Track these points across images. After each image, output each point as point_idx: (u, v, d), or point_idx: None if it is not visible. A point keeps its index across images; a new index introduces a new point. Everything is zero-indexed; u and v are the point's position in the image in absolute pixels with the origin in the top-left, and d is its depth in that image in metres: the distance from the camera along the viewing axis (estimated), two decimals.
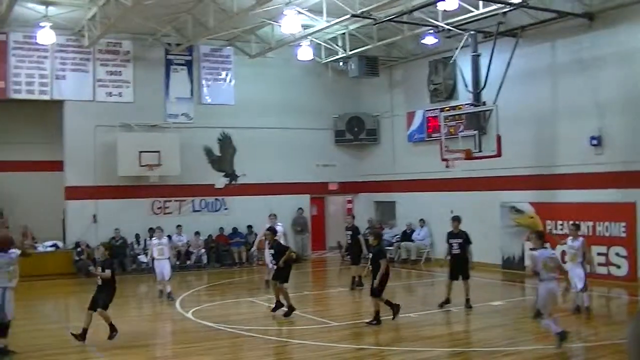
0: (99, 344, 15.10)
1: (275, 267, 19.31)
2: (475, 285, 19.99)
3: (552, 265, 13.53)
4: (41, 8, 25.19)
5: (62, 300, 23.72)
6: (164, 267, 21.82)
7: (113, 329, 15.02)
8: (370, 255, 17.64)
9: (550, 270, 13.47)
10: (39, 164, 31.91)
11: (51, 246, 28.08)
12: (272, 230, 20.24)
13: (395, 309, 17.21)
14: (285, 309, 18.46)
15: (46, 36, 25.93)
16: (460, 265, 19.06)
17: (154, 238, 22.70)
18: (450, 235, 19.44)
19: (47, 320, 18.25)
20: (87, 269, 26.60)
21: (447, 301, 18.90)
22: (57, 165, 29.99)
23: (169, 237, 27.55)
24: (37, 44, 27.39)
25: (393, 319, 17.05)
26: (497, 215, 26.38)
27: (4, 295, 14.06)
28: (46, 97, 28.62)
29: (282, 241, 23.06)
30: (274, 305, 18.88)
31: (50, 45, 27.86)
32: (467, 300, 18.83)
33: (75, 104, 29.00)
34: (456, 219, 19.60)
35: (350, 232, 23.70)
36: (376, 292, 16.94)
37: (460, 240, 19.12)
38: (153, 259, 22.17)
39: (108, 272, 15.43)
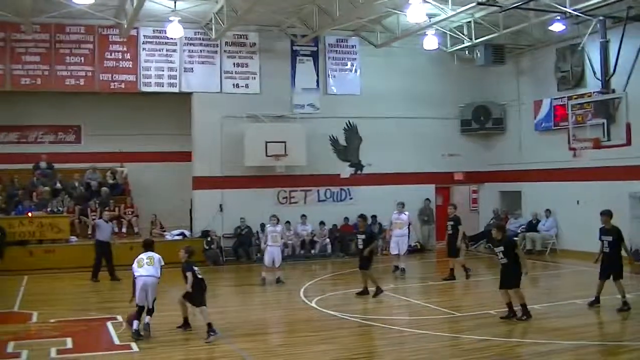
0: (223, 329, 15.39)
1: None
2: None
3: None
4: (170, 3, 25.77)
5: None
6: (275, 254, 22.71)
7: (211, 329, 15.08)
8: (501, 249, 16.69)
9: None
10: (168, 154, 32.76)
11: (178, 235, 28.71)
12: (363, 217, 21.38)
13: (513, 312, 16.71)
14: (373, 290, 19.95)
15: (175, 30, 26.54)
16: (611, 264, 17.66)
17: (269, 225, 23.19)
18: (602, 232, 18.02)
19: (174, 307, 18.67)
20: (216, 258, 27.31)
21: (597, 300, 17.73)
22: (185, 156, 30.72)
23: (288, 222, 28.61)
24: (166, 37, 28.20)
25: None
26: (626, 206, 25.58)
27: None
28: (175, 90, 29.29)
29: (405, 230, 23.65)
30: (360, 290, 20.28)
31: (178, 39, 28.55)
32: (624, 302, 17.36)
33: (203, 96, 29.57)
34: (605, 213, 18.20)
35: (452, 223, 23.46)
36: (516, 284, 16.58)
37: (610, 238, 17.68)
38: (267, 246, 22.96)
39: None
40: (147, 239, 18.10)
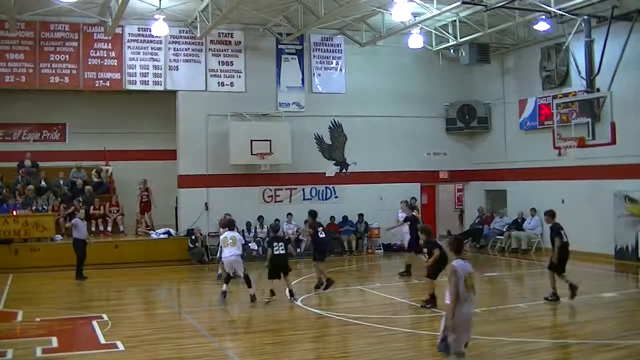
0: (208, 327, 15.41)
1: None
2: (587, 275, 19.63)
3: None
4: (155, 1, 25.62)
5: (175, 285, 24.18)
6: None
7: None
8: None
9: None
10: (153, 153, 32.84)
11: (164, 233, 28.68)
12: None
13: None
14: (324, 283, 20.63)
15: (160, 28, 26.38)
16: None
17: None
18: (560, 228, 18.65)
19: (160, 305, 18.70)
20: (201, 257, 27.27)
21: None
22: (170, 154, 30.68)
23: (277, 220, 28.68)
24: (151, 36, 28.14)
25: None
26: (610, 204, 25.77)
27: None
28: (160, 88, 29.26)
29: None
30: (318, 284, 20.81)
31: (163, 37, 28.50)
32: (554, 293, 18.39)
33: (188, 94, 29.52)
34: (548, 213, 19.21)
35: (409, 223, 24.02)
36: (431, 276, 17.88)
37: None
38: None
39: None
40: (228, 218, 21.91)
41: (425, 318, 17.01)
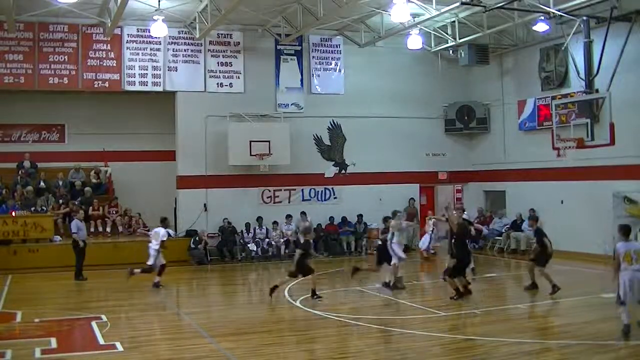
0: (208, 328, 15.39)
1: None
2: (586, 276, 19.57)
3: None
4: (154, 2, 25.63)
5: (174, 286, 24.11)
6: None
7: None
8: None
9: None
10: (152, 153, 32.62)
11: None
12: None
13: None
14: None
15: (159, 29, 26.43)
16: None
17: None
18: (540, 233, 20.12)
19: (159, 306, 18.64)
20: (201, 258, 27.19)
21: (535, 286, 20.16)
22: (169, 155, 30.62)
23: (276, 223, 29.09)
24: (150, 37, 28.14)
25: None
26: (609, 206, 25.73)
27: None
28: (159, 89, 29.25)
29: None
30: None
31: (162, 38, 28.50)
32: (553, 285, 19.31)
33: (187, 95, 29.52)
34: (532, 218, 21.52)
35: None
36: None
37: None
38: None
39: None
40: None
41: (424, 319, 16.98)
